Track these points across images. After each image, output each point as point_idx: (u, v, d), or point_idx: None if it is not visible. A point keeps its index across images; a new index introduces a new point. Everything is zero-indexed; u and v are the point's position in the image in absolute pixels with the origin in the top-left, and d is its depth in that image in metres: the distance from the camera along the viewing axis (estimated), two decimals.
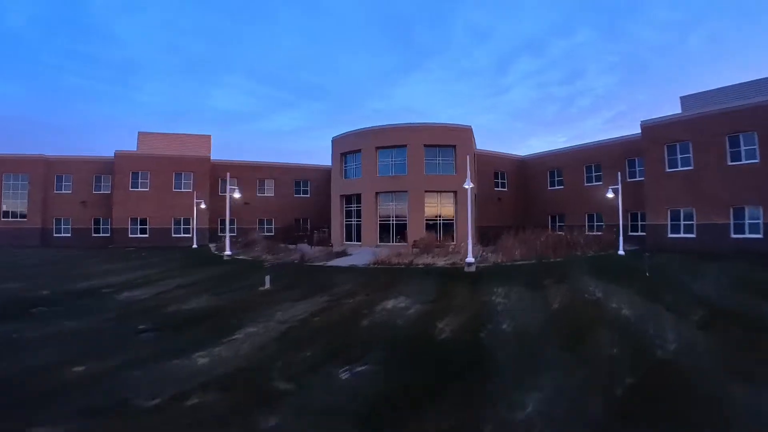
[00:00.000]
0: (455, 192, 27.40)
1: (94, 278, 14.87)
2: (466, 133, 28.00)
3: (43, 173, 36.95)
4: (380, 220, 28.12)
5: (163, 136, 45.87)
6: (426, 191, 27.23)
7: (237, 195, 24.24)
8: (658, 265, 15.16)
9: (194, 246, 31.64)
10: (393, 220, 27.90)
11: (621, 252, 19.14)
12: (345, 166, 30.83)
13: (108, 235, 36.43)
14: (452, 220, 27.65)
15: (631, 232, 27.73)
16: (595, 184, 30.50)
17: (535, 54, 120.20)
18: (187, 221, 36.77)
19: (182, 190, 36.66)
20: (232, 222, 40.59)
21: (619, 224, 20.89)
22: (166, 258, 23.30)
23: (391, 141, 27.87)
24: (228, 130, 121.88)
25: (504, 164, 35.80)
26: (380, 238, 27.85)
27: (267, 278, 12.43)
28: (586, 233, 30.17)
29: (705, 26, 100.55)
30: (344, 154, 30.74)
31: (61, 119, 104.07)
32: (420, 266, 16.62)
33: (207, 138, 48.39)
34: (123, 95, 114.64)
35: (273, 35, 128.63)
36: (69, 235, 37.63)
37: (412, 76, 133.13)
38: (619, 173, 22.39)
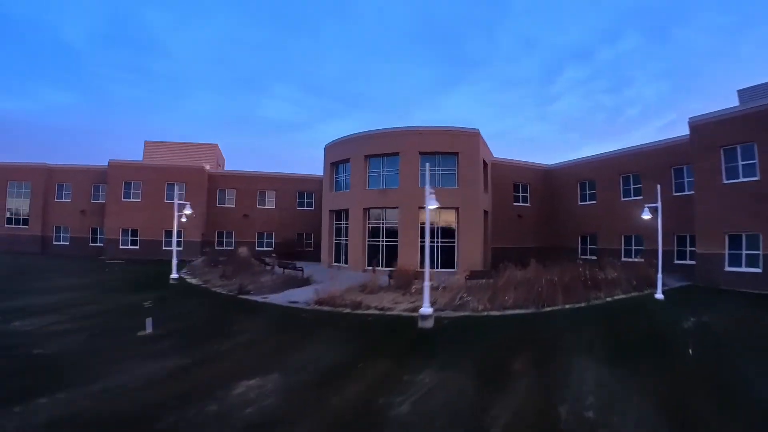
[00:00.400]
0: (457, 209, 23.13)
1: (23, 297, 14.50)
2: (472, 138, 23.69)
3: (44, 181, 36.87)
4: (369, 241, 24.27)
5: (169, 144, 44.84)
6: (421, 208, 23.04)
7: (188, 211, 21.30)
8: (710, 327, 10.41)
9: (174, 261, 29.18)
10: (383, 241, 23.95)
11: (659, 295, 14.14)
12: (336, 178, 27.33)
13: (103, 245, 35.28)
14: (454, 242, 23.32)
15: (678, 259, 22.33)
16: (633, 198, 25.17)
17: (583, 62, 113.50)
18: (178, 233, 34.60)
19: (174, 201, 34.47)
20: (230, 236, 38.47)
21: (658, 256, 15.57)
22: (118, 276, 22.25)
23: (382, 148, 24.02)
24: (277, 139, 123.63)
25: (526, 175, 30.93)
26: (370, 260, 24.01)
27: (148, 321, 10.38)
28: (622, 259, 24.95)
29: (758, 29, 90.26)
30: (335, 164, 27.25)
31: (113, 128, 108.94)
32: (370, 310, 12.62)
33: (213, 147, 46.84)
34: (174, 106, 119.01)
35: (322, 47, 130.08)
36: (68, 243, 37.53)
37: (459, 87, 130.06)
38: (659, 186, 16.84)
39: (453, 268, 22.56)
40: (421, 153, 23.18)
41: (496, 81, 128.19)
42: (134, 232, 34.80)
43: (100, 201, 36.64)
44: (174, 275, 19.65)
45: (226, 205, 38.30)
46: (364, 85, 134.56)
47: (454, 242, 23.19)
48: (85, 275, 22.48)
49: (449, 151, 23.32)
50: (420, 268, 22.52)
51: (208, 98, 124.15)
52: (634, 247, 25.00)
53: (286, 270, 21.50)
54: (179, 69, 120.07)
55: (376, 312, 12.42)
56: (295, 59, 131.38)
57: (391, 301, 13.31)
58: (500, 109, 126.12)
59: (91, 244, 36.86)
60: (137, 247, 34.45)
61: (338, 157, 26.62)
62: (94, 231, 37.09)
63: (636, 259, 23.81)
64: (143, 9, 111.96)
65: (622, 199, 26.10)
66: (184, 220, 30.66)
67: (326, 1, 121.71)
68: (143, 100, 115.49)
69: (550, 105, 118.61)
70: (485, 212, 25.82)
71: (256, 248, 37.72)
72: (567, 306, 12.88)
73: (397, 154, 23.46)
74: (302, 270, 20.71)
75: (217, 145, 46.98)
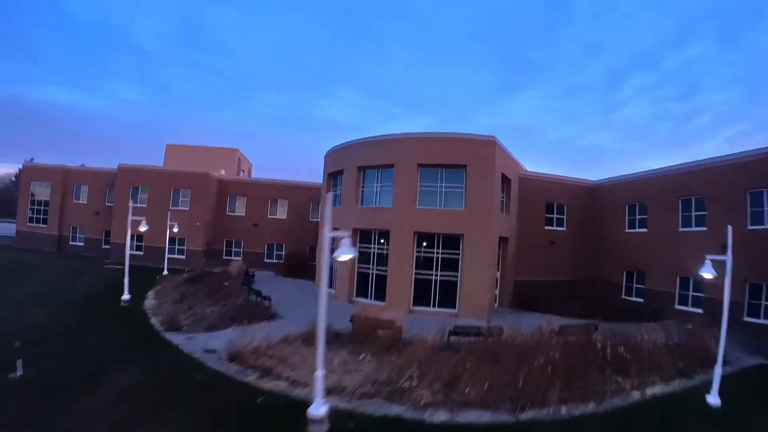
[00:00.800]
0: (462, 235, 19.08)
1: None
2: (485, 147, 19.42)
3: (63, 183, 37.14)
4: (360, 268, 20.75)
5: (189, 148, 44.12)
6: (416, 233, 19.25)
7: (143, 228, 19.14)
8: None
9: (165, 272, 27.61)
10: (374, 269, 20.35)
11: (714, 399, 9.19)
12: (333, 191, 24.13)
13: None
14: (456, 276, 19.23)
15: (749, 315, 16.84)
16: (694, 229, 19.79)
17: (649, 68, 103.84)
18: (181, 241, 33.29)
19: (179, 207, 33.12)
20: (238, 245, 36.51)
21: (722, 315, 10.40)
22: (89, 287, 21.33)
23: (376, 158, 20.49)
24: (334, 140, 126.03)
25: (563, 193, 25.76)
26: (358, 290, 20.58)
27: (19, 363, 9.68)
28: (675, 306, 19.77)
29: None
30: (332, 175, 24.09)
31: (179, 124, 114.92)
32: (280, 381, 9.17)
33: (233, 151, 45.57)
34: (239, 105, 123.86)
35: (384, 50, 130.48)
36: (82, 244, 37.77)
37: (521, 92, 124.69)
38: (729, 227, 11.65)
39: (454, 308, 18.62)
40: (420, 165, 19.41)
41: (559, 87, 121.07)
42: (139, 238, 33.62)
43: (113, 204, 36.25)
44: (125, 296, 17.45)
45: (236, 213, 36.59)
46: (425, 89, 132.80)
47: (456, 276, 19.13)
48: (62, 281, 22.37)
49: (456, 163, 19.32)
50: (412, 306, 18.89)
51: (269, 99, 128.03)
52: (691, 293, 19.59)
53: (258, 298, 18.58)
54: (245, 71, 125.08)
55: (282, 386, 8.98)
56: (356, 61, 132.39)
57: (306, 373, 9.71)
58: (562, 116, 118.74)
59: (103, 246, 36.61)
60: (141, 253, 33.25)
61: (335, 167, 23.46)
62: (107, 233, 36.72)
63: (693, 309, 18.64)
64: (210, 11, 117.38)
65: (681, 229, 20.65)
66: (171, 230, 29.08)
67: (390, 3, 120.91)
68: (208, 99, 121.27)
69: (615, 112, 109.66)
70: (503, 239, 21.50)
71: (265, 260, 35.64)
72: (563, 409, 8.57)
73: (392, 166, 19.84)
74: (270, 300, 17.69)
75: (237, 149, 45.74)
